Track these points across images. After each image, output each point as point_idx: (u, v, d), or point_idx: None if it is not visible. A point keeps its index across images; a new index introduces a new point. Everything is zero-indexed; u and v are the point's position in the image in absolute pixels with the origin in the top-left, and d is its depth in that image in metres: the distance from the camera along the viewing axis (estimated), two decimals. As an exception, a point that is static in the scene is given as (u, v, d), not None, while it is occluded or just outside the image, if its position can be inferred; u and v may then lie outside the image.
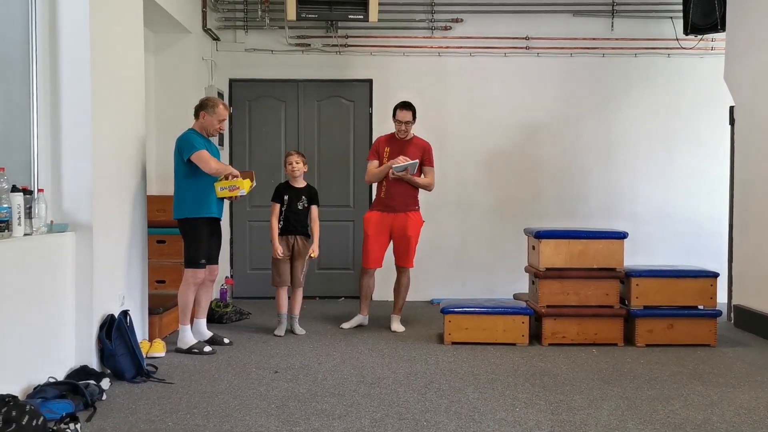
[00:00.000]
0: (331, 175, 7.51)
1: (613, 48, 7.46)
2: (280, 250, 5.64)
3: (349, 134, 7.54)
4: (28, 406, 3.06)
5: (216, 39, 7.31)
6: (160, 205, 5.94)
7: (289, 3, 6.72)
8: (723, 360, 4.97)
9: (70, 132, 4.21)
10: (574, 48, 7.47)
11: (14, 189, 3.73)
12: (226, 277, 7.17)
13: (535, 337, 5.51)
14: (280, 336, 5.62)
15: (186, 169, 5.02)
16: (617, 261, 5.43)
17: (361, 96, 7.54)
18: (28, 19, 4.07)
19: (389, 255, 5.97)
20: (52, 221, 4.12)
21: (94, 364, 4.27)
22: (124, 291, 4.70)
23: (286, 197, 5.73)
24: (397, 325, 5.91)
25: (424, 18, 7.48)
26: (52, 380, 3.79)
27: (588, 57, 7.48)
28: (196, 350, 5.01)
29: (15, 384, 3.57)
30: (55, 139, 4.20)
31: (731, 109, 6.50)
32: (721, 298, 5.82)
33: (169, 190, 5.41)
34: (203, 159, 4.95)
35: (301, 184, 5.80)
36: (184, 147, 5.00)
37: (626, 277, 5.48)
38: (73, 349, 4.22)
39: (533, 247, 5.68)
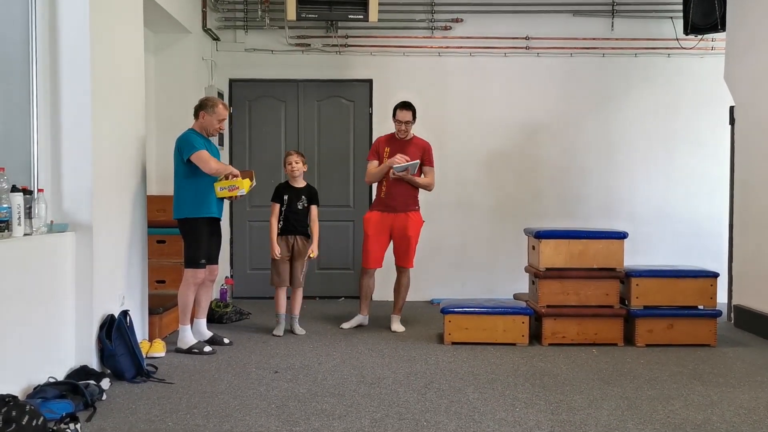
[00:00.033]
0: (331, 175, 7.51)
1: (613, 48, 7.46)
2: (278, 250, 5.64)
3: (349, 134, 7.54)
4: (28, 406, 3.06)
5: (216, 39, 7.31)
6: (160, 205, 5.94)
7: (289, 3, 6.73)
8: (723, 360, 4.97)
9: (70, 132, 4.21)
10: (574, 48, 7.47)
11: (14, 189, 3.73)
12: (226, 277, 7.17)
13: (535, 337, 5.51)
14: (279, 336, 5.62)
15: (186, 169, 5.02)
16: (617, 261, 5.43)
17: (361, 96, 7.54)
18: (28, 19, 4.07)
19: (389, 255, 5.97)
20: (52, 221, 4.12)
21: (94, 364, 4.27)
22: (124, 291, 4.70)
23: (285, 197, 5.73)
24: (397, 325, 5.91)
25: (424, 18, 7.48)
26: (52, 380, 3.79)
27: (588, 57, 7.48)
28: (196, 350, 5.01)
29: (15, 384, 3.57)
30: (55, 139, 4.20)
31: (731, 109, 6.50)
32: (721, 298, 5.81)
33: (169, 190, 5.41)
34: (203, 159, 4.95)
35: (300, 184, 5.80)
36: (184, 147, 5.00)
37: (626, 277, 5.48)
38: (73, 349, 4.22)
39: (533, 247, 5.68)
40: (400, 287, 5.98)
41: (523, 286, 6.61)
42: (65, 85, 4.19)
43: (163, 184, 6.29)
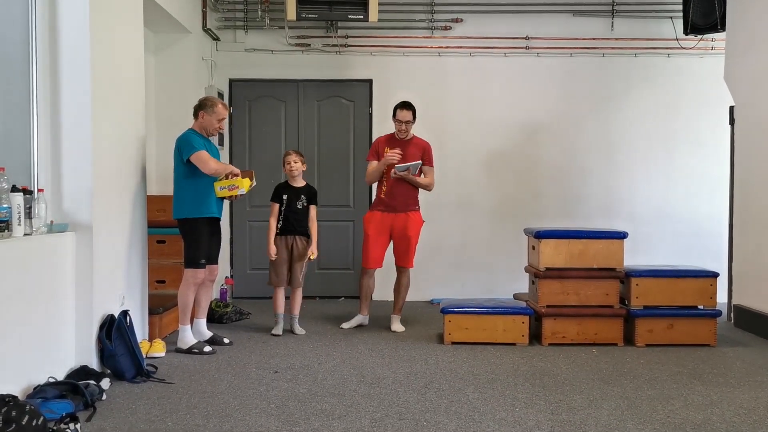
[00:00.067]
0: (331, 175, 7.51)
1: (613, 48, 7.46)
2: (273, 251, 5.64)
3: (349, 134, 7.54)
4: (28, 406, 3.06)
5: (216, 39, 7.31)
6: (160, 205, 5.94)
7: (289, 3, 6.72)
8: (723, 360, 4.97)
9: (70, 132, 4.21)
10: (574, 48, 7.47)
11: (14, 189, 3.73)
12: (226, 277, 7.18)
13: (535, 337, 5.51)
14: (278, 335, 5.62)
15: (186, 169, 5.02)
16: (617, 261, 5.43)
17: (361, 96, 7.54)
18: (28, 19, 4.07)
19: (389, 255, 5.97)
20: (52, 221, 4.12)
21: (94, 364, 4.27)
22: (124, 291, 4.71)
23: (285, 197, 5.73)
24: (397, 325, 5.91)
25: (424, 18, 7.48)
26: (52, 380, 3.79)
27: (588, 57, 7.48)
28: (196, 350, 5.01)
29: (15, 384, 3.57)
30: (55, 139, 4.20)
31: (731, 109, 6.50)
32: (721, 298, 5.81)
33: (169, 190, 5.41)
34: (202, 159, 4.95)
35: (300, 183, 5.80)
36: (184, 147, 5.00)
37: (626, 277, 5.48)
38: (73, 349, 4.22)
39: (533, 247, 5.68)
40: (400, 287, 5.98)
41: (523, 286, 6.61)
42: (65, 85, 4.19)
43: (163, 184, 6.28)
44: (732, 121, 6.48)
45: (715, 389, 4.22)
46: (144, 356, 4.53)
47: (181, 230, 5.14)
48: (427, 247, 6.85)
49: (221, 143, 7.12)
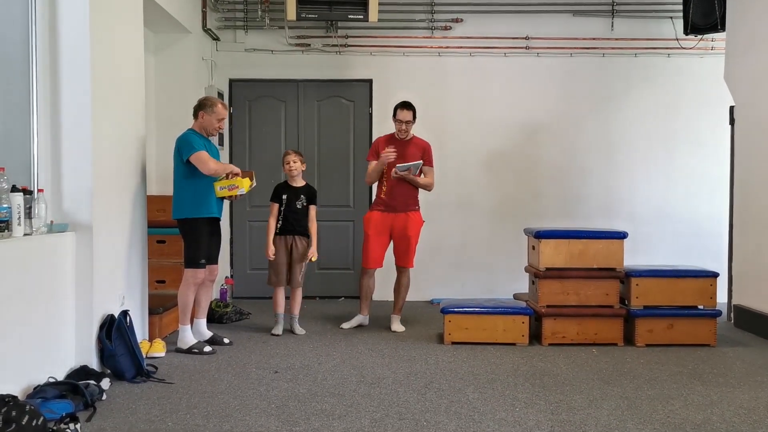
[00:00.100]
0: (331, 175, 7.51)
1: (613, 48, 7.46)
2: (271, 251, 5.64)
3: (349, 134, 7.54)
4: (28, 406, 3.06)
5: (216, 39, 7.31)
6: (160, 205, 5.94)
7: (289, 3, 6.73)
8: (723, 360, 4.97)
9: (70, 132, 4.21)
10: (574, 48, 7.47)
11: (14, 189, 3.73)
12: (226, 277, 7.18)
13: (535, 337, 5.51)
14: (277, 335, 5.62)
15: (185, 169, 5.02)
16: (617, 261, 5.43)
17: (361, 96, 7.54)
18: (28, 19, 4.07)
19: (389, 255, 5.97)
20: (52, 221, 4.12)
21: (94, 364, 4.27)
22: (124, 291, 4.71)
23: (284, 197, 5.73)
24: (397, 325, 5.91)
25: (424, 18, 7.48)
26: (52, 380, 3.79)
27: (588, 57, 7.48)
28: (196, 350, 5.01)
29: (15, 384, 3.57)
30: (55, 139, 4.20)
31: (731, 109, 6.50)
32: (721, 298, 5.81)
33: (169, 190, 5.41)
34: (202, 160, 4.95)
35: (299, 183, 5.80)
36: (184, 147, 5.00)
37: (626, 277, 5.48)
38: (73, 349, 4.22)
39: (533, 247, 5.68)
40: (400, 287, 5.98)
41: (523, 286, 6.61)
42: (65, 85, 4.19)
43: (163, 184, 6.28)
44: (732, 121, 6.48)
45: (715, 389, 4.22)
46: (144, 356, 4.53)
47: (181, 230, 5.14)
48: (427, 247, 6.85)
49: (221, 143, 7.13)
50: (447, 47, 7.48)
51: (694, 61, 7.45)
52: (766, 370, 4.68)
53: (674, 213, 7.52)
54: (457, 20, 7.46)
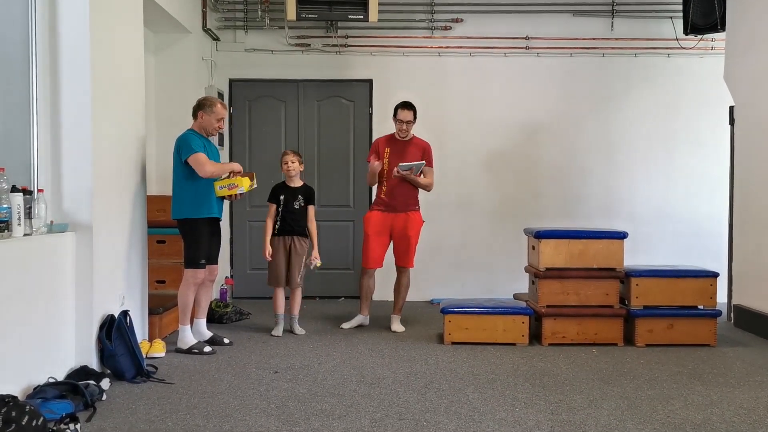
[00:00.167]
0: (331, 175, 7.51)
1: (613, 48, 7.46)
2: (269, 251, 5.64)
3: (349, 134, 7.54)
4: (28, 407, 3.06)
5: (216, 39, 7.31)
6: (160, 205, 5.94)
7: (289, 3, 6.72)
8: (723, 360, 4.97)
9: (70, 132, 4.21)
10: (574, 48, 7.47)
11: (14, 189, 3.73)
12: (226, 277, 7.17)
13: (535, 337, 5.51)
14: (277, 336, 5.62)
15: (185, 169, 5.01)
16: (617, 261, 5.43)
17: (361, 96, 7.54)
18: (28, 19, 4.07)
19: (389, 255, 5.97)
20: (52, 221, 4.12)
21: (94, 364, 4.27)
22: (124, 291, 4.71)
23: (281, 197, 5.72)
24: (397, 325, 5.91)
25: (424, 18, 7.48)
26: (52, 380, 3.79)
27: (588, 57, 7.48)
28: (196, 350, 5.01)
29: (15, 384, 3.57)
30: (55, 139, 4.20)
31: (731, 109, 6.50)
32: (721, 297, 5.82)
33: (169, 190, 5.41)
34: (199, 162, 4.93)
35: (297, 183, 5.80)
36: (183, 148, 4.99)
37: (626, 277, 5.48)
38: (73, 349, 4.22)
39: (533, 247, 5.68)
40: (400, 287, 5.98)
41: (523, 286, 6.61)
42: (65, 85, 4.19)
43: (163, 184, 6.28)
44: (732, 121, 6.48)
45: (715, 389, 4.22)
46: (144, 356, 4.53)
47: (180, 230, 5.14)
48: (427, 247, 6.85)
49: (221, 143, 7.13)
50: (447, 47, 7.48)
51: (694, 61, 7.45)
52: (766, 370, 4.68)
53: (674, 213, 7.52)
54: (457, 20, 7.46)
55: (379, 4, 6.87)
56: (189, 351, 5.01)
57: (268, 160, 7.37)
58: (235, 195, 5.12)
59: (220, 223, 5.32)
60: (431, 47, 7.47)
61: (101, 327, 4.33)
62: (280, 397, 4.01)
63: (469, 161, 7.49)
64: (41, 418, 3.09)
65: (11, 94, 4.10)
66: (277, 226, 5.70)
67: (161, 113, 6.60)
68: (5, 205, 3.65)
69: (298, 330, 5.72)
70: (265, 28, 7.36)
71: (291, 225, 5.69)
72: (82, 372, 4.08)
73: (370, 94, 7.51)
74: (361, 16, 6.81)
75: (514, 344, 5.32)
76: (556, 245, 5.43)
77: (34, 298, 3.79)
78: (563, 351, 5.19)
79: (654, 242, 7.44)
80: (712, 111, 7.25)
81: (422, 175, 5.87)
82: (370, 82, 7.49)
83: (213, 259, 5.27)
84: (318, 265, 5.76)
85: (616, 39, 7.45)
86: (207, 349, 5.03)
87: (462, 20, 7.47)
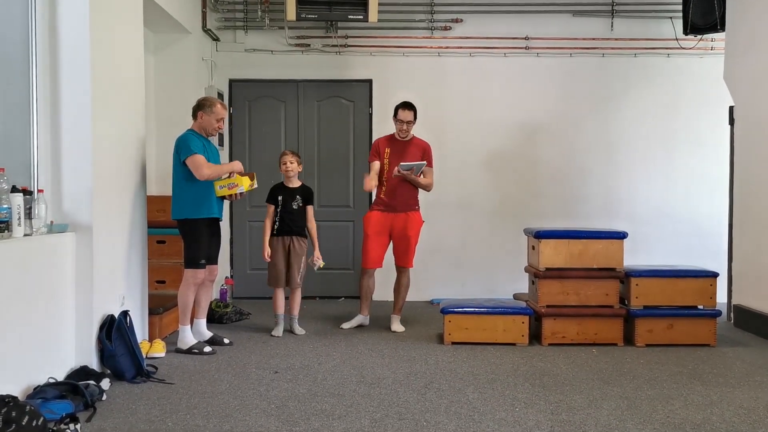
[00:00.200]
0: (331, 175, 7.51)
1: (612, 48, 7.47)
2: (267, 252, 5.63)
3: (349, 134, 7.54)
4: (28, 407, 3.06)
5: (216, 39, 7.31)
6: (160, 205, 5.94)
7: (289, 3, 6.73)
8: (723, 360, 4.97)
9: (70, 132, 4.21)
10: (574, 48, 7.47)
11: (14, 189, 3.73)
12: (226, 278, 7.18)
13: (535, 337, 5.51)
14: (277, 336, 5.62)
15: (185, 170, 5.00)
16: (617, 261, 5.43)
17: (361, 96, 7.54)
18: (28, 19, 4.07)
19: (389, 255, 5.97)
20: (52, 221, 4.12)
21: (94, 364, 4.27)
22: (124, 291, 4.71)
23: (280, 198, 5.72)
24: (397, 325, 5.91)
25: (424, 18, 7.48)
26: (52, 381, 3.79)
27: (588, 57, 7.48)
28: (196, 350, 5.01)
29: (15, 384, 3.57)
30: (55, 139, 4.20)
31: (731, 109, 6.50)
32: (721, 297, 5.82)
33: (169, 190, 5.41)
34: (196, 164, 4.92)
35: (295, 184, 5.79)
36: (182, 148, 4.99)
37: (626, 277, 5.48)
38: (73, 349, 4.22)
39: (533, 247, 5.68)
40: (400, 287, 5.98)
41: (523, 286, 6.61)
42: (65, 85, 4.19)
43: (163, 184, 6.28)
44: (732, 121, 6.49)
45: (715, 389, 4.22)
46: (144, 356, 4.53)
47: (180, 231, 5.14)
48: (427, 247, 6.85)
49: (221, 143, 7.13)
50: (447, 47, 7.48)
51: (693, 61, 7.45)
52: (766, 370, 4.68)
53: (674, 213, 7.52)
54: (456, 20, 7.47)
55: (379, 4, 6.87)
56: (189, 351, 5.01)
57: (267, 160, 7.36)
58: (236, 195, 5.12)
59: (220, 223, 5.32)
60: (431, 47, 7.48)
61: (101, 327, 4.33)
62: (280, 397, 4.01)
63: (469, 161, 7.49)
64: (41, 419, 3.09)
65: (11, 94, 4.09)
66: (275, 227, 5.70)
67: (161, 113, 6.60)
68: (5, 206, 3.65)
69: (298, 330, 5.72)
70: (265, 28, 7.36)
71: (290, 225, 5.69)
72: (82, 372, 4.08)
73: (369, 94, 7.51)
74: (361, 17, 6.81)
75: (514, 344, 5.32)
76: (556, 245, 5.43)
77: (34, 298, 3.79)
78: (563, 351, 5.19)
79: (653, 242, 7.44)
80: (712, 111, 7.25)
81: (422, 176, 5.87)
82: (369, 82, 7.49)
83: (213, 260, 5.27)
84: (321, 265, 5.76)
85: (616, 39, 7.45)
86: (207, 349, 5.03)
87: (462, 20, 7.47)
